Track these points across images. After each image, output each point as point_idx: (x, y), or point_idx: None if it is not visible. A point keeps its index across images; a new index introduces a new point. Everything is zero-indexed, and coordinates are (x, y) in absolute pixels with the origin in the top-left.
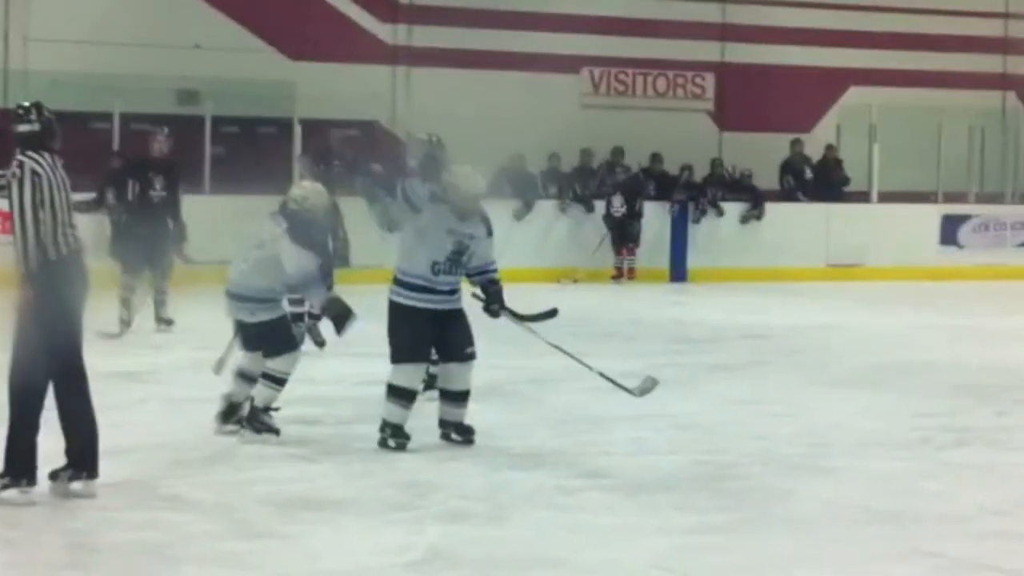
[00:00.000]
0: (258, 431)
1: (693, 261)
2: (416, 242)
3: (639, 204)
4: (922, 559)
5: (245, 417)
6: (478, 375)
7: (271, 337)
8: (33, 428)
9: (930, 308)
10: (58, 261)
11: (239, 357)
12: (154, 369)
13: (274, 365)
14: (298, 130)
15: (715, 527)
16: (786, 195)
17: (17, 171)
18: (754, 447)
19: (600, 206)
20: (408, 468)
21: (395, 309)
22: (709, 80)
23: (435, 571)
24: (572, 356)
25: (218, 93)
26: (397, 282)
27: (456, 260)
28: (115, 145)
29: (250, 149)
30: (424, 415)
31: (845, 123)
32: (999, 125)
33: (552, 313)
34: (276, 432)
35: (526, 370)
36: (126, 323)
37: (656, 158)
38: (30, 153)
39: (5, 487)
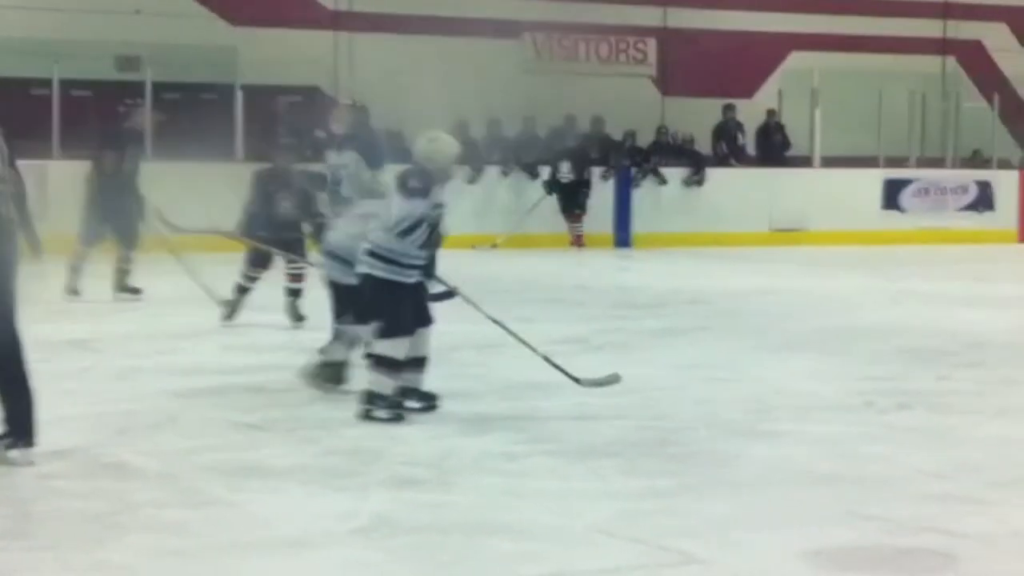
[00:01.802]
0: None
1: (637, 227)
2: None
3: (587, 171)
4: (864, 522)
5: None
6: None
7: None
8: None
9: (872, 272)
10: None
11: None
12: (102, 337)
13: (350, 330)
14: (239, 96)
15: (659, 491)
16: (720, 160)
17: None
18: (698, 412)
19: (545, 172)
20: (353, 435)
21: (381, 285)
22: (651, 45)
23: (380, 537)
24: (516, 336)
25: (159, 59)
26: (378, 256)
27: (433, 232)
28: (55, 111)
29: (191, 115)
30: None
31: (787, 88)
32: (940, 90)
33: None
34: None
35: (471, 336)
36: (74, 291)
37: (597, 121)
38: None
39: None
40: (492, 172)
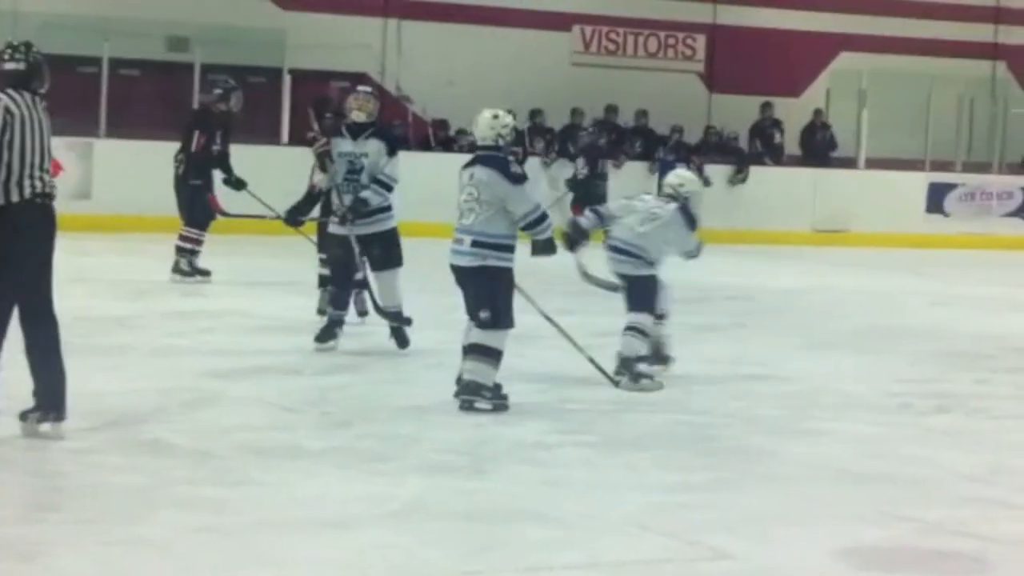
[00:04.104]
0: (636, 380)
1: None
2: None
3: (601, 165)
4: (897, 522)
5: (619, 365)
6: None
7: (643, 292)
8: None
9: (914, 275)
10: (20, 203)
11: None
12: (143, 315)
13: (638, 319)
14: (287, 80)
15: (694, 485)
16: (755, 159)
17: None
18: (735, 407)
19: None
20: (388, 421)
21: (507, 275)
22: (700, 41)
23: (415, 522)
24: (564, 332)
25: (208, 40)
26: (501, 248)
27: None
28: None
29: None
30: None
31: (835, 88)
32: (988, 94)
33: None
34: (653, 384)
35: None
36: (202, 271)
37: (642, 114)
38: (9, 91)
39: None
40: (534, 163)
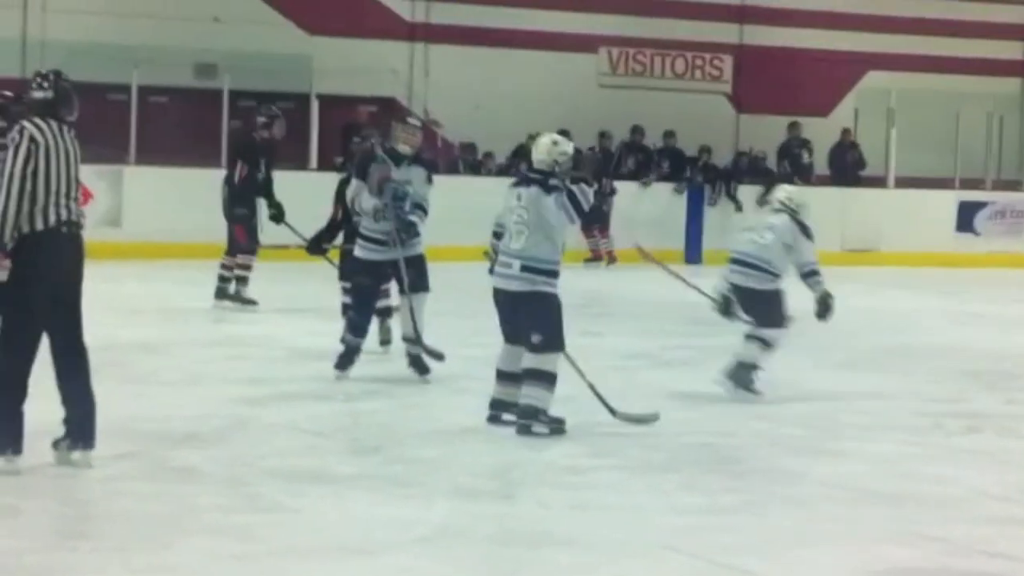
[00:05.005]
0: (742, 387)
1: (708, 243)
2: (555, 230)
3: (605, 183)
4: (925, 543)
5: (732, 369)
6: (488, 353)
7: (774, 308)
8: (17, 398)
9: (943, 294)
10: (46, 232)
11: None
12: (172, 341)
13: (769, 332)
14: (315, 105)
15: (722, 508)
16: (784, 178)
17: (16, 136)
18: (762, 428)
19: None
20: (416, 445)
21: (556, 299)
22: (727, 62)
23: (443, 547)
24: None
25: (236, 67)
26: (550, 273)
27: None
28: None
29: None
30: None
31: (863, 107)
32: (1018, 112)
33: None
34: (758, 394)
35: None
36: (249, 300)
37: (670, 135)
38: (36, 120)
39: None
40: None
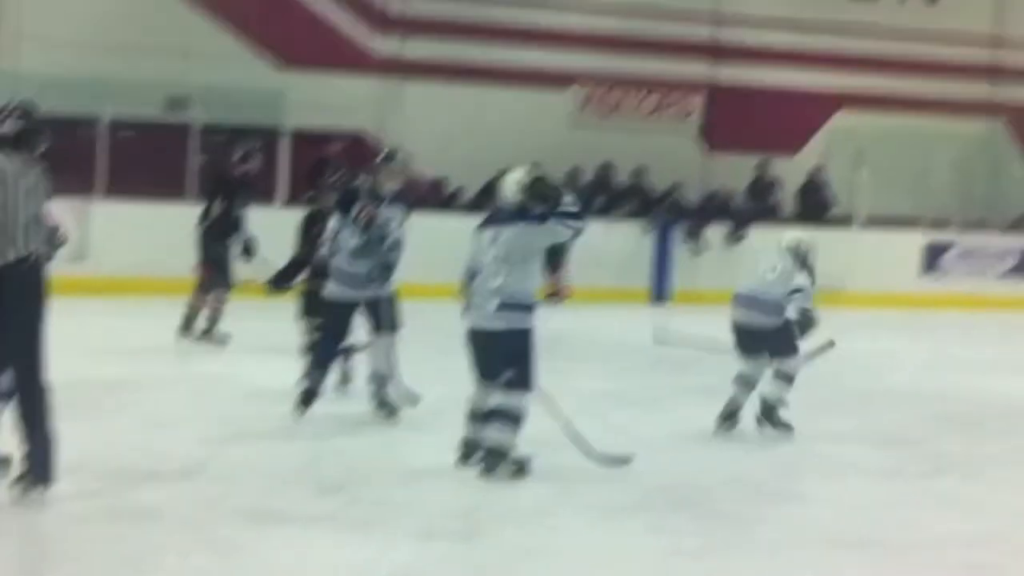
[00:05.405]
0: (777, 426)
1: (676, 282)
2: (533, 262)
3: None
4: None
5: (760, 413)
6: (456, 393)
7: (786, 339)
8: None
9: (910, 335)
10: (7, 266)
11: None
12: (136, 379)
13: (787, 366)
14: (286, 139)
15: (687, 551)
16: (753, 217)
17: None
18: (728, 471)
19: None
20: (381, 485)
21: (532, 339)
22: (698, 100)
23: None
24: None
25: (206, 100)
26: (525, 308)
27: None
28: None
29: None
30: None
31: (833, 146)
32: (985, 152)
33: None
34: (790, 429)
35: None
36: (221, 339)
37: (639, 172)
38: (1, 153)
39: None
40: None
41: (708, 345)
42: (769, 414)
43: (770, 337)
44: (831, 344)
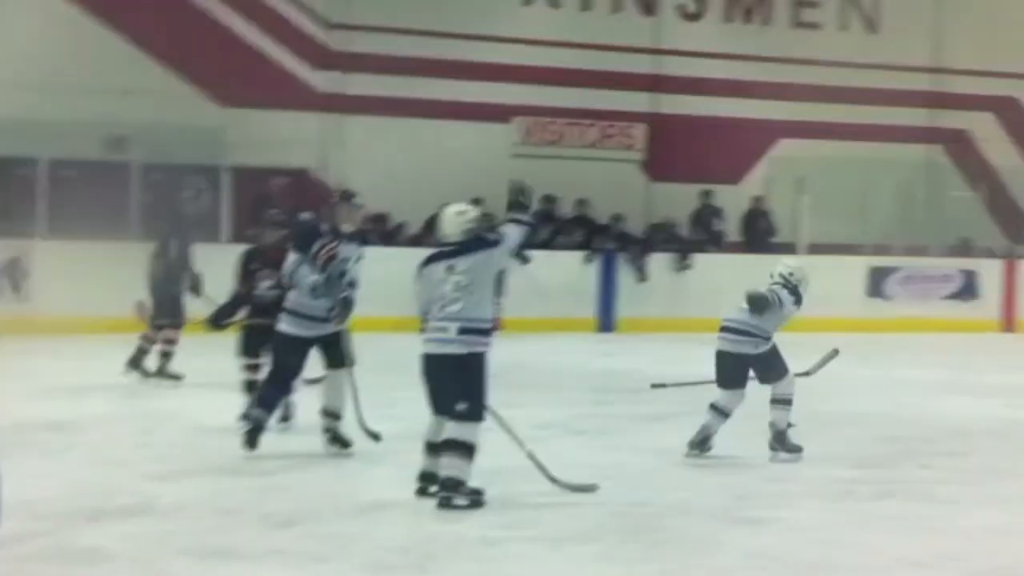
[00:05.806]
0: (790, 450)
1: (621, 311)
2: (489, 288)
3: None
4: None
5: (772, 439)
6: (404, 425)
7: (774, 365)
8: None
9: (856, 359)
10: None
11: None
12: (81, 418)
13: (781, 389)
14: (227, 177)
15: None
16: (696, 246)
17: None
18: (678, 498)
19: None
20: (331, 519)
21: (486, 367)
22: (640, 130)
23: None
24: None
25: (146, 140)
26: (484, 332)
27: None
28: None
29: (178, 196)
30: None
31: (774, 175)
32: (926, 179)
33: None
34: (800, 449)
35: None
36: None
37: (582, 203)
38: None
39: None
40: None
41: (697, 380)
42: (781, 439)
43: (757, 364)
44: (835, 352)
